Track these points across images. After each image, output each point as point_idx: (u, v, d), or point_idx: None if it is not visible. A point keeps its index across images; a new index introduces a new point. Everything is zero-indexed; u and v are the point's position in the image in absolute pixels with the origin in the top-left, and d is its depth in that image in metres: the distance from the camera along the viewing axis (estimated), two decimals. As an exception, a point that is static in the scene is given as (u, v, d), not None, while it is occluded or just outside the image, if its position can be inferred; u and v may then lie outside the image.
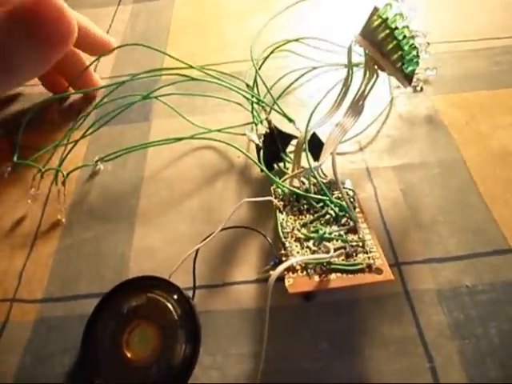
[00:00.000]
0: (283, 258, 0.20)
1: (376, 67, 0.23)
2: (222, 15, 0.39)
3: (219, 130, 0.27)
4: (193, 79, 0.27)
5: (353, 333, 0.20)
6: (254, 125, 0.27)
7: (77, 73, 0.29)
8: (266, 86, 0.28)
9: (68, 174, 0.26)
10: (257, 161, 0.25)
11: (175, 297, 0.20)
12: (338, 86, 0.25)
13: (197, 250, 0.21)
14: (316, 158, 0.24)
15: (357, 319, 0.20)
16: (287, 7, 0.34)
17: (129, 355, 0.19)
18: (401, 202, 0.24)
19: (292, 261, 0.18)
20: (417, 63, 0.23)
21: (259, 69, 0.29)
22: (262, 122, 0.26)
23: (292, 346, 0.20)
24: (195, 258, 0.21)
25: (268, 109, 0.26)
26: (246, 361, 0.19)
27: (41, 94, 0.33)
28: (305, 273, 0.19)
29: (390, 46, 0.22)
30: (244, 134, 0.26)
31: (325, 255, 0.19)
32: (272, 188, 0.23)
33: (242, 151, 0.25)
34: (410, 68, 0.23)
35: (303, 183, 0.23)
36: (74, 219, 0.25)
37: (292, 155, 0.24)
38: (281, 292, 0.19)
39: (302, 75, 0.31)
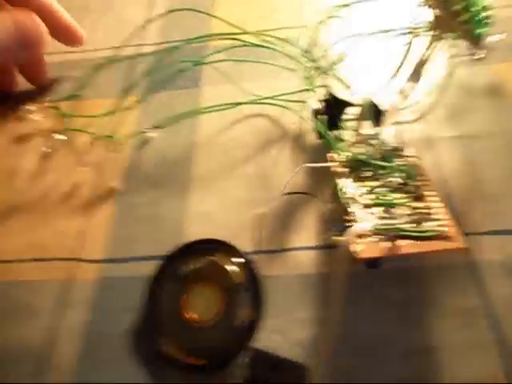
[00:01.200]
0: (348, 224, 0.19)
1: (440, 31, 0.22)
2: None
3: (272, 97, 0.26)
4: (247, 45, 0.26)
5: (417, 301, 0.19)
6: (308, 91, 0.26)
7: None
8: (322, 51, 0.27)
9: (121, 142, 0.26)
10: (313, 128, 0.25)
11: (237, 260, 0.20)
12: (395, 53, 0.24)
13: (257, 215, 0.21)
14: (376, 125, 0.23)
15: (421, 288, 0.20)
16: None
17: (188, 316, 0.19)
18: (464, 173, 0.24)
19: (364, 225, 0.17)
20: (487, 25, 0.22)
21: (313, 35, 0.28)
22: (315, 89, 0.26)
23: (355, 313, 0.19)
24: (258, 224, 0.21)
25: (324, 75, 0.25)
26: (308, 326, 0.19)
27: (87, 60, 0.33)
28: (374, 238, 0.19)
29: (460, 5, 0.21)
30: (298, 101, 0.26)
31: (395, 221, 0.18)
32: (329, 154, 0.23)
33: (301, 117, 0.25)
34: (480, 30, 0.22)
35: (365, 150, 0.23)
36: (130, 185, 0.25)
37: (348, 123, 0.24)
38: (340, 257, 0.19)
39: (357, 42, 0.29)
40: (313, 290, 0.20)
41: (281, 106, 0.26)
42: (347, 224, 0.19)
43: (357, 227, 0.17)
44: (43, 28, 0.27)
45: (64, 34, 0.30)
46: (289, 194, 0.21)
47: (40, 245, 0.23)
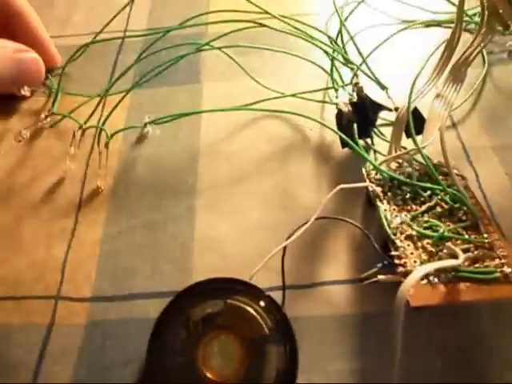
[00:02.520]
0: (396, 261, 0.16)
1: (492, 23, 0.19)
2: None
3: (293, 95, 0.22)
4: (256, 26, 0.22)
5: (470, 346, 0.17)
6: (334, 90, 0.22)
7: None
8: (353, 42, 0.23)
9: (112, 135, 0.22)
10: (337, 134, 0.21)
11: (262, 304, 0.16)
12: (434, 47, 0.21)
13: (284, 248, 0.17)
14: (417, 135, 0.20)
15: (475, 331, 0.17)
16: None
17: (207, 373, 0.16)
18: (508, 189, 0.21)
19: (422, 270, 0.14)
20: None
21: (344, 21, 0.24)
22: (343, 88, 0.22)
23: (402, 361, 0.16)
24: (283, 257, 0.17)
25: (354, 71, 0.22)
26: (347, 380, 0.16)
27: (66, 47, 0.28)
28: (426, 281, 0.15)
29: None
30: (320, 102, 0.22)
31: (454, 261, 0.15)
32: (365, 170, 0.19)
33: (329, 127, 0.21)
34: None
35: (401, 166, 0.20)
36: (120, 196, 0.21)
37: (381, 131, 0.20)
38: (376, 295, 0.17)
39: (400, 31, 0.25)
40: (350, 334, 0.17)
41: (291, 112, 0.22)
42: (396, 262, 0.16)
43: (417, 274, 0.14)
44: (43, 67, 0.25)
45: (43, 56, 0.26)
46: (320, 218, 0.18)
47: (13, 278, 0.19)
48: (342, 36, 0.24)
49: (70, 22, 0.30)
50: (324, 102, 0.22)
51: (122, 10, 0.25)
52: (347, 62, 0.22)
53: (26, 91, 0.25)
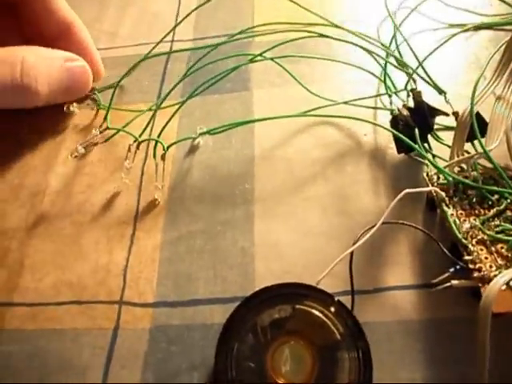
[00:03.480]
0: (470, 266, 0.16)
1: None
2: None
3: (345, 103, 0.22)
4: (313, 35, 0.23)
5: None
6: (387, 96, 0.22)
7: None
8: (408, 45, 0.23)
9: (169, 147, 0.22)
10: (393, 139, 0.21)
11: (332, 309, 0.16)
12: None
13: (351, 253, 0.17)
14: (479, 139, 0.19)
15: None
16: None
17: (277, 380, 0.16)
18: None
19: (506, 275, 0.14)
20: None
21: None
22: (397, 93, 0.22)
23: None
24: (351, 261, 0.17)
25: (409, 76, 0.22)
26: (420, 390, 0.16)
27: (114, 58, 0.29)
28: (505, 286, 0.15)
29: None
30: (376, 108, 0.22)
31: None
32: (426, 175, 0.19)
33: (390, 130, 0.20)
34: None
35: (463, 170, 0.19)
36: (177, 203, 0.21)
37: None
38: (445, 300, 0.17)
39: (453, 36, 0.25)
40: (419, 340, 0.17)
41: (347, 117, 0.22)
42: (470, 266, 0.16)
43: (501, 279, 0.14)
44: (91, 77, 0.26)
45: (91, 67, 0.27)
46: (386, 223, 0.18)
47: (77, 283, 0.19)
48: (396, 40, 0.24)
49: (118, 34, 0.31)
50: (379, 108, 0.22)
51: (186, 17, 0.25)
52: (403, 65, 0.22)
53: (74, 108, 0.26)
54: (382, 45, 0.23)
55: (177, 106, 0.24)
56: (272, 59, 0.23)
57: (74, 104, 0.26)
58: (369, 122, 0.22)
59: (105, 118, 0.25)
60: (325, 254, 0.19)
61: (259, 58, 0.23)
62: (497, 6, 0.27)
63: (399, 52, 0.23)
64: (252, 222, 0.20)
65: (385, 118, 0.22)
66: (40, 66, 0.23)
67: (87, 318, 0.18)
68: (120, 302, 0.19)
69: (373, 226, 0.18)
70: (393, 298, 0.18)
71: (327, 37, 0.23)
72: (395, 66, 0.22)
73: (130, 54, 0.29)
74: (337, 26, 0.24)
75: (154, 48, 0.25)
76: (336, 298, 0.16)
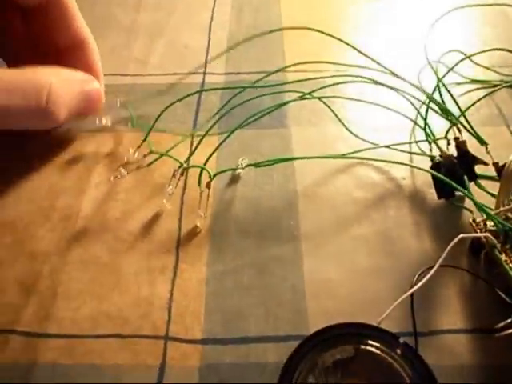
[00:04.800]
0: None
1: None
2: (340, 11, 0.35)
3: (387, 146, 0.23)
4: (374, 82, 0.23)
5: None
6: (428, 143, 0.23)
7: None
8: (451, 96, 0.24)
9: (215, 175, 0.22)
10: (434, 185, 0.22)
11: (398, 351, 0.16)
12: None
13: (412, 295, 0.17)
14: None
15: None
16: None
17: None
18: None
19: None
20: None
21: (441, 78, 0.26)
22: (435, 141, 0.23)
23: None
24: (412, 303, 0.17)
25: (451, 124, 0.23)
26: None
27: (143, 85, 0.29)
28: None
29: None
30: (419, 154, 0.23)
31: None
32: (473, 220, 0.20)
33: (435, 174, 0.21)
34: None
35: (508, 219, 0.20)
36: (221, 235, 0.21)
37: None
38: (503, 346, 0.17)
39: (494, 90, 0.27)
40: (475, 386, 0.17)
41: (385, 161, 0.23)
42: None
43: None
44: (103, 97, 0.25)
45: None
46: (444, 266, 0.18)
47: (117, 316, 0.18)
48: (439, 90, 0.25)
49: (149, 62, 0.31)
50: (418, 153, 0.23)
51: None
52: (446, 113, 0.23)
53: (108, 121, 0.25)
54: (424, 91, 0.24)
55: (217, 137, 0.24)
56: (319, 98, 0.23)
57: (108, 117, 0.26)
58: (415, 167, 0.22)
59: (143, 140, 0.24)
60: (375, 293, 0.19)
61: (307, 96, 0.23)
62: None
63: (442, 100, 0.24)
64: (301, 259, 0.20)
65: (421, 164, 0.23)
66: (62, 91, 0.22)
67: (130, 354, 0.17)
68: (166, 338, 0.18)
69: (429, 268, 0.18)
70: (448, 341, 0.18)
71: (378, 83, 0.24)
72: (438, 113, 0.23)
73: (161, 82, 0.29)
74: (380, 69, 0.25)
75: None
76: (401, 340, 0.16)
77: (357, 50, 0.26)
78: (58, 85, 0.22)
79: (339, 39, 0.26)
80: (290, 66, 0.27)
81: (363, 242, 0.21)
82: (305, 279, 0.19)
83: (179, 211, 0.22)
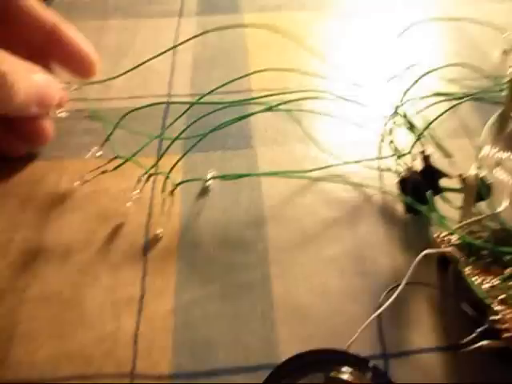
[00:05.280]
0: (497, 326, 0.16)
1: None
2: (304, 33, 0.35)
3: (357, 162, 0.23)
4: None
5: None
6: (396, 158, 0.23)
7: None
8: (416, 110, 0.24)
9: (179, 184, 0.22)
10: (400, 198, 0.22)
11: (368, 376, 0.16)
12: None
13: (379, 315, 0.17)
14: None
15: None
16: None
17: None
18: None
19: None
20: None
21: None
22: (405, 155, 0.23)
23: None
24: (380, 324, 0.17)
25: (416, 138, 0.23)
26: None
27: (108, 110, 0.28)
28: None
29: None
30: (386, 170, 0.23)
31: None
32: (437, 236, 0.20)
33: (400, 195, 0.21)
34: None
35: (473, 232, 0.20)
36: (187, 260, 0.20)
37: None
38: (473, 362, 0.17)
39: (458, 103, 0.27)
40: (451, 407, 0.16)
41: (358, 184, 0.23)
42: (498, 327, 0.16)
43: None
44: (60, 92, 0.24)
45: (76, 61, 0.25)
46: (410, 283, 0.18)
47: (80, 355, 0.17)
48: (402, 103, 0.25)
49: (112, 85, 0.30)
50: (385, 170, 0.23)
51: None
52: (412, 127, 0.23)
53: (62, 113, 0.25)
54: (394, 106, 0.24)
55: (182, 152, 0.23)
56: (287, 111, 0.23)
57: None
58: (387, 191, 0.23)
59: (105, 140, 0.24)
60: (348, 315, 0.19)
61: (274, 108, 0.23)
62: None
63: (406, 115, 0.25)
64: (269, 283, 0.20)
65: (388, 178, 0.23)
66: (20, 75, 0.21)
67: (95, 395, 0.17)
68: (132, 375, 0.17)
69: (395, 287, 0.18)
70: (420, 360, 0.17)
71: (344, 99, 0.24)
72: (403, 127, 0.24)
73: (125, 106, 0.29)
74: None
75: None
76: (371, 363, 0.16)
77: (322, 59, 0.26)
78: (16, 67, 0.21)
79: (306, 48, 0.26)
80: (252, 73, 0.27)
81: (333, 263, 0.20)
82: (274, 305, 0.19)
83: (147, 220, 0.22)
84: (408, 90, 0.26)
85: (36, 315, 0.19)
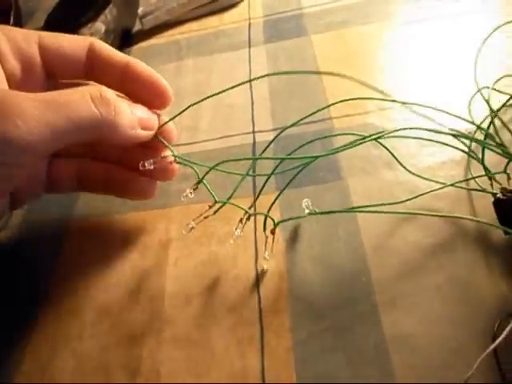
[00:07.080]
0: None
1: None
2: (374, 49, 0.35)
3: (452, 185, 0.24)
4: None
5: None
6: (488, 178, 0.23)
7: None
8: (508, 129, 0.24)
9: (279, 222, 0.24)
10: (499, 222, 0.22)
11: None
12: None
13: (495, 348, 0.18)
14: None
15: None
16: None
17: None
18: None
19: None
20: None
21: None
22: (493, 175, 0.23)
23: None
24: (497, 357, 0.18)
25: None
26: None
27: (197, 153, 0.30)
28: None
29: None
30: (480, 190, 0.23)
31: None
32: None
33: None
34: None
35: None
36: (297, 300, 0.22)
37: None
38: None
39: None
40: None
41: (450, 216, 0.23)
42: None
43: None
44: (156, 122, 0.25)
45: (149, 91, 0.26)
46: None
47: (218, 392, 0.20)
48: (494, 124, 0.25)
49: (199, 128, 0.32)
50: (481, 190, 0.23)
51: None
52: (502, 145, 0.23)
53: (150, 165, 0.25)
54: (479, 127, 0.25)
55: (276, 192, 0.25)
56: (376, 140, 0.23)
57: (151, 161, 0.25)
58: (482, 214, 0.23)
59: (197, 183, 0.25)
60: (457, 344, 0.19)
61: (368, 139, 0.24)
62: None
63: (498, 135, 0.25)
64: (378, 314, 0.21)
65: (482, 201, 0.23)
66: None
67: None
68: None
69: (510, 315, 0.18)
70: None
71: (428, 130, 0.24)
72: (492, 150, 0.23)
73: (213, 147, 0.31)
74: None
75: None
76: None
77: (400, 102, 0.26)
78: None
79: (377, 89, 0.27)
80: (332, 105, 0.28)
81: (437, 291, 0.21)
82: (385, 335, 0.20)
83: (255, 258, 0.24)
84: (500, 109, 0.25)
85: (174, 356, 0.22)
